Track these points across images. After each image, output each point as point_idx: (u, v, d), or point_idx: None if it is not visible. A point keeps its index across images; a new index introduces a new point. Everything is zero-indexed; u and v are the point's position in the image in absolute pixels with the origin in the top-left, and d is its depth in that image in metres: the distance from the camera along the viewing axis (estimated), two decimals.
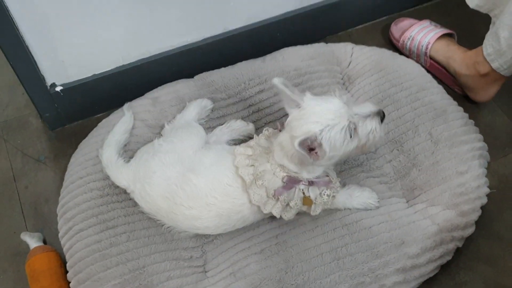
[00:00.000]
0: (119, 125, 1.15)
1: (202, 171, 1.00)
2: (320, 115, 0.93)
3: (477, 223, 1.12)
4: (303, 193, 0.99)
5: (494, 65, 1.20)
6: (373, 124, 0.97)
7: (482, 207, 1.13)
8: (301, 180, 0.98)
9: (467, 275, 1.11)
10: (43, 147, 1.27)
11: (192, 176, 0.98)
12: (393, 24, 1.46)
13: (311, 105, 0.95)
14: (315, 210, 1.02)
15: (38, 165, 1.24)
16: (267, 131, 1.06)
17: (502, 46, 1.16)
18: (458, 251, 1.11)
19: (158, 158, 1.02)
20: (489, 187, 1.15)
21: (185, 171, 1.00)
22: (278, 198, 0.98)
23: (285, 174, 0.97)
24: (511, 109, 1.36)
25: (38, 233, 1.12)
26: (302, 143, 0.89)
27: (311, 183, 0.99)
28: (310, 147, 0.92)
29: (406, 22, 1.44)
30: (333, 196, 1.03)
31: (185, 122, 1.16)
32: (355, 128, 0.95)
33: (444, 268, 1.09)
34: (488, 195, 1.15)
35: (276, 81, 0.96)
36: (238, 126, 1.19)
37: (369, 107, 0.98)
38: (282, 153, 0.97)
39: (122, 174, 1.05)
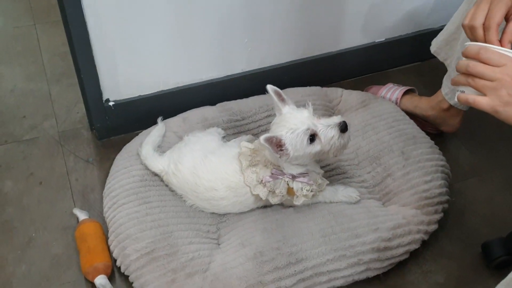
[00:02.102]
0: (154, 130, 1.44)
1: (219, 154, 1.29)
2: (288, 121, 1.16)
3: (441, 226, 1.34)
4: (288, 184, 1.23)
5: (452, 102, 1.48)
6: (333, 133, 1.16)
7: (446, 214, 1.36)
8: (285, 174, 1.22)
9: (432, 266, 1.31)
10: (92, 152, 1.55)
11: (211, 157, 1.28)
12: (364, 91, 1.73)
13: (287, 113, 1.19)
14: (297, 201, 1.25)
15: (86, 165, 1.52)
16: None
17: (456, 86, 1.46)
18: (425, 246, 1.32)
19: (188, 147, 1.32)
20: (450, 196, 1.38)
21: (207, 153, 1.29)
22: (265, 185, 1.23)
23: (273, 167, 1.24)
24: (471, 145, 1.63)
25: (85, 211, 1.37)
26: (267, 139, 1.11)
27: (293, 177, 1.23)
28: (278, 144, 1.14)
29: (374, 88, 1.73)
30: (312, 192, 1.25)
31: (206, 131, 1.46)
32: (316, 135, 1.16)
33: (413, 258, 1.30)
34: (452, 207, 1.38)
35: (269, 87, 1.21)
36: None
37: (334, 119, 1.18)
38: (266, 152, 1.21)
39: (158, 161, 1.33)
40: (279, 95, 1.21)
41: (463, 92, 0.88)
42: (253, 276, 1.16)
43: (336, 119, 1.19)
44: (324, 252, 1.22)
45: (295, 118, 1.17)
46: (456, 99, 1.43)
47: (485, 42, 0.84)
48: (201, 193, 1.27)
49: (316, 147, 1.18)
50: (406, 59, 1.90)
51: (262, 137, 1.12)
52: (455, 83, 0.88)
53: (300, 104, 1.55)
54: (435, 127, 1.63)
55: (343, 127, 1.17)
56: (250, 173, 1.23)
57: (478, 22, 0.84)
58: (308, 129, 1.16)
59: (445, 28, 1.45)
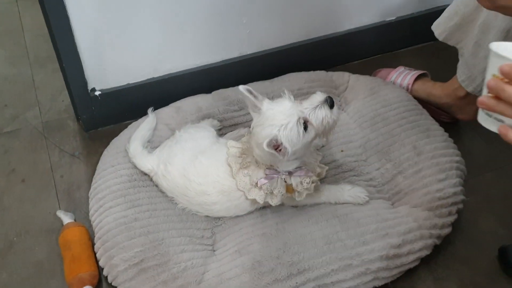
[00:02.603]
0: (144, 123, 1.33)
1: (210, 154, 1.18)
2: (274, 118, 1.05)
3: (455, 227, 1.24)
4: (285, 181, 1.14)
5: (469, 89, 1.37)
6: (323, 112, 1.07)
7: (460, 214, 1.26)
8: (280, 172, 1.13)
9: (444, 272, 1.21)
10: (78, 145, 1.45)
11: (202, 158, 1.17)
12: (372, 75, 1.62)
13: (267, 110, 1.07)
14: (300, 196, 1.16)
15: (72, 159, 1.42)
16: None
17: (473, 73, 1.33)
18: (437, 250, 1.22)
19: (179, 145, 1.20)
20: (465, 195, 1.28)
21: (198, 154, 1.18)
22: (261, 187, 1.13)
23: (266, 167, 1.12)
24: (488, 135, 1.52)
25: (70, 213, 1.27)
26: (269, 144, 1.01)
27: (290, 173, 1.13)
28: (276, 146, 1.04)
29: (383, 71, 1.61)
30: (313, 183, 1.16)
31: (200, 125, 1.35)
32: (307, 121, 1.06)
33: (424, 264, 1.20)
34: (466, 206, 1.27)
35: (241, 88, 1.09)
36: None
37: (317, 98, 1.08)
38: (257, 154, 1.11)
39: (147, 160, 1.22)
40: (251, 94, 1.10)
41: (501, 121, 0.72)
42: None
43: (320, 97, 1.09)
44: (329, 261, 1.13)
45: (279, 112, 1.06)
46: (473, 87, 1.35)
47: None
48: (192, 197, 1.17)
49: (311, 133, 1.08)
50: (418, 38, 1.77)
51: (265, 144, 1.01)
52: (487, 107, 0.72)
53: (303, 92, 1.47)
54: (449, 115, 1.53)
55: (331, 103, 1.08)
56: (242, 177, 1.13)
57: None
58: (299, 118, 1.06)
59: (452, 11, 1.33)
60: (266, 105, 1.08)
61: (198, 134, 1.25)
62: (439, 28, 1.38)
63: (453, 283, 1.21)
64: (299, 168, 1.14)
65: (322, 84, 1.50)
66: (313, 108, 1.07)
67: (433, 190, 1.25)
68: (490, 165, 1.45)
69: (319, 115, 1.07)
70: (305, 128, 1.06)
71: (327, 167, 1.22)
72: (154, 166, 1.22)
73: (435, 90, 1.50)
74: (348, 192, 1.24)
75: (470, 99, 1.42)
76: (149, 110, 1.36)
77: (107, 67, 1.36)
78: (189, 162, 1.16)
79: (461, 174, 1.31)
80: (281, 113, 1.06)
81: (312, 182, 1.17)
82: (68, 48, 1.26)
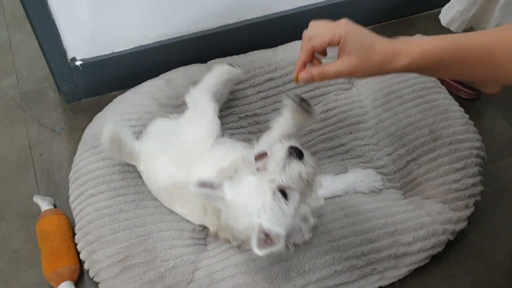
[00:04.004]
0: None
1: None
2: (246, 205, 0.86)
3: (470, 219, 1.15)
4: None
5: None
6: (295, 168, 0.85)
7: (476, 204, 1.16)
8: None
9: (456, 268, 1.14)
10: (59, 118, 1.32)
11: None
12: None
13: (233, 198, 0.87)
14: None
15: (53, 135, 1.29)
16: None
17: None
18: (449, 244, 1.13)
19: (165, 158, 1.05)
20: (484, 185, 1.17)
21: (186, 170, 1.03)
22: None
23: None
24: (511, 115, 1.41)
25: (50, 197, 1.16)
26: (259, 243, 0.82)
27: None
28: (265, 236, 0.84)
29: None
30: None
31: (201, 106, 1.11)
32: (283, 188, 0.85)
33: (435, 260, 1.12)
34: (483, 194, 1.18)
35: (193, 188, 0.88)
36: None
37: (278, 155, 0.86)
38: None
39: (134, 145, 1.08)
40: (206, 186, 0.89)
41: None
42: None
43: (281, 152, 0.86)
44: (332, 262, 1.03)
45: (248, 195, 0.86)
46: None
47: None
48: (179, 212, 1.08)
49: (295, 197, 0.86)
50: (435, 1, 1.58)
51: (256, 249, 0.81)
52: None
53: (309, 64, 1.31)
54: (468, 91, 1.40)
55: (298, 153, 0.86)
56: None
57: (307, 33, 0.80)
58: (273, 191, 0.85)
59: (468, 3, 1.22)
60: (229, 192, 0.88)
61: (187, 144, 1.06)
62: (455, 22, 1.27)
63: (466, 281, 1.14)
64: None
65: (331, 54, 1.33)
66: (282, 169, 0.85)
67: (450, 181, 1.15)
68: (511, 148, 1.35)
69: (293, 174, 0.85)
70: (285, 195, 0.85)
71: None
72: (139, 163, 1.09)
73: None
74: (361, 184, 1.14)
75: None
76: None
77: (88, 34, 1.21)
78: (175, 179, 1.03)
79: (480, 162, 1.20)
80: (250, 195, 0.86)
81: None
82: (39, 9, 1.10)
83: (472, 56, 0.70)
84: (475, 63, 0.71)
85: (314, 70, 0.77)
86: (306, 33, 0.79)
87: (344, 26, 0.74)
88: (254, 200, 0.84)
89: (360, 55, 0.72)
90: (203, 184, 0.88)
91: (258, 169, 0.88)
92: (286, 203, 0.84)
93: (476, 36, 0.71)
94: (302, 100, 0.95)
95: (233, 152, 1.03)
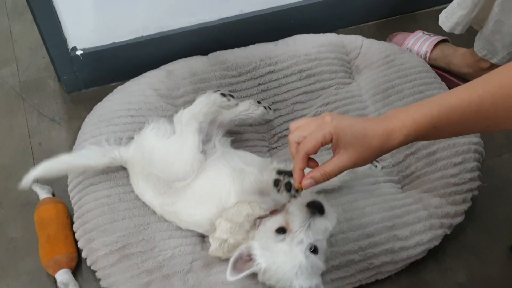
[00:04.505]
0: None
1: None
2: (283, 271, 0.86)
3: (467, 214, 1.15)
4: None
5: (494, 61, 1.28)
6: (321, 225, 0.86)
7: (474, 200, 1.17)
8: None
9: (453, 262, 1.14)
10: (59, 108, 1.32)
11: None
12: (388, 39, 1.49)
13: (268, 266, 0.87)
14: None
15: (52, 125, 1.29)
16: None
17: (496, 47, 1.24)
18: (446, 239, 1.13)
19: (150, 181, 1.03)
20: (481, 181, 1.18)
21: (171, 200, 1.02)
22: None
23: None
24: None
25: (48, 186, 1.16)
26: None
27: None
28: None
29: (399, 36, 1.48)
30: None
31: (185, 138, 1.04)
32: (312, 246, 0.86)
33: (431, 254, 1.12)
34: (481, 190, 1.18)
35: (231, 278, 0.86)
36: (257, 115, 1.19)
37: (300, 215, 0.85)
38: None
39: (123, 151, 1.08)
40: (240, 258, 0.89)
41: None
42: (242, 284, 0.98)
43: (302, 212, 0.85)
44: (329, 256, 1.02)
45: (282, 262, 0.86)
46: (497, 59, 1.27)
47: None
48: None
49: (323, 248, 0.89)
50: None
51: None
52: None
53: (310, 58, 1.33)
54: None
55: (319, 209, 0.86)
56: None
57: (293, 138, 0.76)
58: (303, 253, 0.85)
59: (471, 5, 1.23)
60: (263, 261, 0.87)
61: (171, 175, 1.02)
62: (459, 26, 1.28)
63: (462, 275, 1.14)
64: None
65: (332, 49, 1.35)
66: (307, 227, 0.85)
67: (448, 175, 1.16)
68: (509, 145, 1.35)
69: (319, 229, 0.86)
70: (315, 250, 0.87)
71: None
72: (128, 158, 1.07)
73: (455, 59, 1.39)
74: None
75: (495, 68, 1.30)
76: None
77: (89, 23, 1.21)
78: (159, 198, 1.03)
79: (478, 158, 1.21)
80: (284, 262, 0.86)
81: None
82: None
83: (464, 115, 0.70)
84: (467, 120, 0.70)
85: (316, 173, 0.74)
86: (292, 138, 0.76)
87: (330, 123, 0.72)
88: (289, 267, 0.85)
89: (358, 146, 0.71)
90: (236, 263, 0.87)
91: (278, 231, 0.87)
92: (318, 257, 0.86)
93: (462, 93, 0.71)
94: (288, 189, 0.88)
95: (219, 185, 1.00)
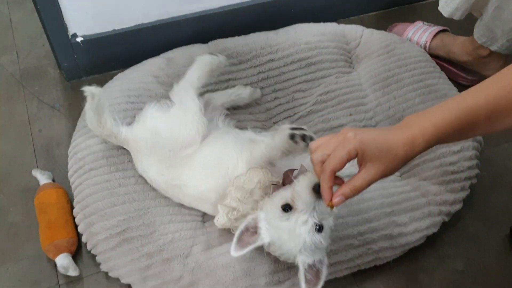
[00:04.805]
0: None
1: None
2: (287, 247, 0.86)
3: (466, 202, 1.16)
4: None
5: (493, 48, 1.28)
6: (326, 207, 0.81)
7: (472, 188, 1.18)
8: None
9: (451, 249, 1.15)
10: (59, 95, 1.32)
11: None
12: (388, 30, 1.50)
13: (273, 240, 0.87)
14: None
15: (52, 112, 1.29)
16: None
17: (496, 33, 1.24)
18: (444, 227, 1.14)
19: (154, 155, 1.03)
20: (480, 169, 1.19)
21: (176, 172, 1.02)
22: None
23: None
24: None
25: (48, 172, 1.17)
26: (308, 282, 0.86)
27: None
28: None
29: (399, 26, 1.49)
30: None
31: (186, 104, 1.05)
32: (320, 225, 0.85)
33: (429, 241, 1.13)
34: (479, 179, 1.19)
35: (235, 254, 0.87)
36: (246, 95, 1.23)
37: (305, 196, 0.84)
38: None
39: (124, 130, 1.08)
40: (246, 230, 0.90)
41: None
42: (241, 266, 0.99)
43: (305, 190, 0.84)
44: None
45: (285, 239, 0.87)
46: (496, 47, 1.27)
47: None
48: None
49: (329, 222, 0.88)
50: None
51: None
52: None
53: (311, 47, 1.33)
54: (468, 77, 1.42)
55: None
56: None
57: (317, 158, 0.75)
58: (308, 232, 0.85)
59: None
60: (268, 236, 0.88)
61: (173, 145, 1.02)
62: (458, 12, 1.27)
63: (459, 262, 1.14)
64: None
65: (333, 38, 1.36)
66: (312, 209, 0.84)
67: (447, 163, 1.16)
68: (508, 135, 1.35)
69: (325, 210, 0.85)
70: (320, 228, 0.86)
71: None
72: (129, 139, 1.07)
73: (455, 47, 1.39)
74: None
75: (494, 56, 1.33)
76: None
77: (90, 10, 1.21)
78: (164, 172, 1.03)
79: (477, 146, 1.21)
80: (288, 240, 0.86)
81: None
82: None
83: (481, 115, 0.71)
84: (485, 120, 0.72)
85: (346, 190, 0.74)
86: (315, 158, 0.75)
87: (354, 139, 0.71)
88: (292, 245, 0.85)
89: (384, 159, 0.71)
90: (241, 236, 0.88)
91: (284, 208, 0.86)
92: (322, 235, 0.86)
93: (477, 93, 0.72)
94: (304, 139, 0.88)
95: (226, 156, 1.00)
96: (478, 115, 0.71)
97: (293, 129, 0.87)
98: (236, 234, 0.87)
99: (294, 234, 0.84)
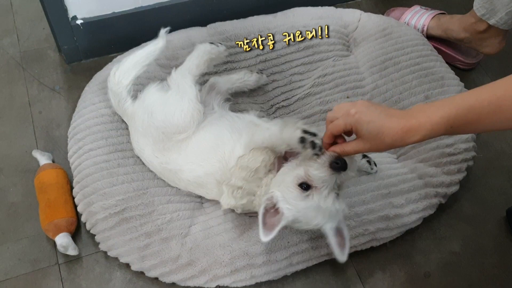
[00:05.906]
0: (149, 47, 1.09)
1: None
2: (314, 220, 0.88)
3: (462, 184, 1.16)
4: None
5: (491, 22, 1.26)
6: (345, 178, 0.90)
7: (469, 171, 1.18)
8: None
9: (447, 231, 1.15)
10: (59, 78, 1.32)
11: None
12: (385, 14, 1.49)
13: (295, 217, 0.88)
14: None
15: (52, 94, 1.30)
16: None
17: (495, 5, 1.22)
18: (441, 209, 1.15)
19: (149, 136, 1.03)
20: (476, 152, 1.19)
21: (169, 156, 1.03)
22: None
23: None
24: None
25: (48, 153, 1.18)
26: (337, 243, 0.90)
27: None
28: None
29: (397, 11, 1.48)
30: None
31: (183, 89, 1.05)
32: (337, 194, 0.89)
33: (426, 223, 1.14)
34: (476, 162, 1.19)
35: (265, 239, 0.87)
36: (252, 81, 1.22)
37: (323, 175, 0.86)
38: None
39: (128, 106, 1.08)
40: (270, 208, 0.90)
41: None
42: (239, 246, 1.00)
43: (324, 168, 0.86)
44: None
45: (309, 216, 0.88)
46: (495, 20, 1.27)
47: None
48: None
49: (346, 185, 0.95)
50: None
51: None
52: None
53: (309, 29, 1.33)
54: (466, 61, 1.41)
55: (342, 165, 0.86)
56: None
57: (328, 117, 0.86)
58: (332, 203, 0.88)
59: None
60: (290, 214, 0.88)
61: (169, 128, 1.02)
62: None
63: (456, 243, 1.15)
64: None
65: (330, 21, 1.35)
66: (334, 184, 0.88)
67: (443, 145, 1.17)
68: None
69: (343, 179, 0.90)
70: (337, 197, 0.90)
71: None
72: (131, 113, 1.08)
73: (452, 24, 1.38)
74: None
75: (492, 32, 1.31)
76: (163, 31, 1.08)
77: None
78: (158, 154, 1.04)
79: None
80: (313, 216, 0.88)
81: None
82: None
83: (482, 115, 0.73)
84: (484, 121, 0.74)
85: (337, 149, 0.86)
86: (327, 117, 0.86)
87: (353, 116, 0.80)
88: (321, 218, 0.88)
89: (371, 140, 0.79)
90: (264, 219, 0.88)
91: (301, 186, 0.87)
92: (340, 200, 0.89)
93: (482, 94, 0.73)
94: (313, 147, 0.88)
95: (224, 139, 1.00)
96: (479, 114, 0.73)
97: (305, 132, 0.87)
98: (260, 219, 0.87)
99: (320, 209, 0.87)
